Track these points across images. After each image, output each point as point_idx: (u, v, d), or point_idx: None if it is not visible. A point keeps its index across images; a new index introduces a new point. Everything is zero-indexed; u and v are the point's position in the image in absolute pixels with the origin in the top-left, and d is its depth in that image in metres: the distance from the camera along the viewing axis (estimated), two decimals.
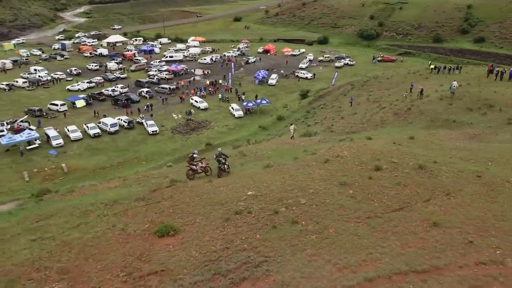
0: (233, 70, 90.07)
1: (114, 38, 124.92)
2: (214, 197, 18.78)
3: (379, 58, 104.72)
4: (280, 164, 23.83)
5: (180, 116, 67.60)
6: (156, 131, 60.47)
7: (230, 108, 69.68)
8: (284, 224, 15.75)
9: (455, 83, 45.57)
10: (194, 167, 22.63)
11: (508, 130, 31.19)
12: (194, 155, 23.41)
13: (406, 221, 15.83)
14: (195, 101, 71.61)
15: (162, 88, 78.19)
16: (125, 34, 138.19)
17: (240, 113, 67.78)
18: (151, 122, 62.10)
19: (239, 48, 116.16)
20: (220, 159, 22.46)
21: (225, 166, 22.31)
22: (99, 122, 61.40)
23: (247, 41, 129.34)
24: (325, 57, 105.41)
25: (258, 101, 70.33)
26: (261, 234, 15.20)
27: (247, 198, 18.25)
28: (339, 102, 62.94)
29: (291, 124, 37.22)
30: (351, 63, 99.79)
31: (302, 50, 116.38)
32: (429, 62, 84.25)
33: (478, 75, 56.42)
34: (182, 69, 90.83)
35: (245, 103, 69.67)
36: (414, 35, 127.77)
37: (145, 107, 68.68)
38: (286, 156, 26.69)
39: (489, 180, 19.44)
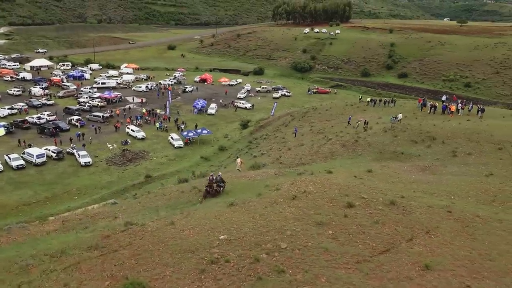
0: (170, 98, 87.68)
1: (39, 62, 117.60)
2: (181, 243, 16.56)
3: (314, 90, 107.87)
4: (244, 201, 22.14)
5: (115, 146, 63.65)
6: (89, 162, 56.18)
7: (169, 138, 67.10)
8: (270, 274, 14.01)
9: (400, 115, 47.36)
10: (209, 189, 24.48)
11: (454, 162, 32.28)
12: (213, 177, 24.99)
13: (397, 264, 14.84)
14: (132, 130, 68.04)
15: (95, 116, 73.75)
16: (50, 58, 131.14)
17: (180, 143, 65.40)
18: (84, 152, 57.63)
19: (175, 77, 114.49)
20: (221, 184, 24.56)
21: (220, 189, 24.40)
22: (23, 153, 55.57)
23: (183, 69, 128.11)
24: (263, 88, 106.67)
25: (199, 130, 68.54)
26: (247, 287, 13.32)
27: (220, 243, 16.29)
28: (282, 132, 62.83)
29: (237, 157, 35.74)
30: (288, 94, 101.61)
31: (239, 80, 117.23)
32: (360, 95, 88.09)
33: (412, 108, 59.36)
34: (116, 97, 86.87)
35: (185, 133, 67.42)
36: (344, 69, 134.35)
37: (77, 136, 63.76)
38: (247, 191, 25.09)
39: (461, 216, 19.29)
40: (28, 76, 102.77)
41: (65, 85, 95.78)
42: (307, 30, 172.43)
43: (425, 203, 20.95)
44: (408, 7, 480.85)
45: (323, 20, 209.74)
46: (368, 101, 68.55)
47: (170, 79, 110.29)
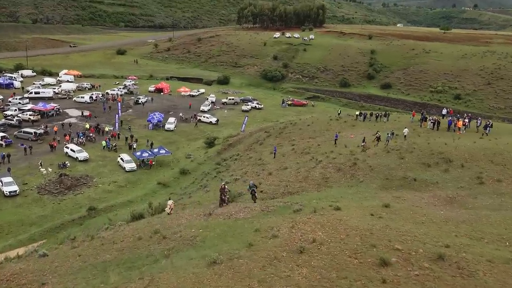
0: (119, 111, 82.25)
1: None
2: None
3: (289, 102, 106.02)
4: (231, 256, 17.56)
5: (50, 170, 58.05)
6: (15, 191, 50.51)
7: (118, 159, 62.31)
8: None
9: (406, 130, 44.58)
10: (224, 197, 28.61)
11: (484, 192, 29.06)
12: (225, 187, 29.56)
13: None
14: (71, 150, 62.57)
15: (25, 132, 68.21)
16: None
17: (132, 165, 60.69)
18: (8, 179, 51.78)
19: (125, 86, 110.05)
20: (254, 189, 29.89)
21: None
22: None
23: (134, 77, 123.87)
24: (229, 99, 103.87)
25: (155, 150, 63.93)
26: None
27: None
28: (257, 152, 58.99)
29: (169, 199, 31.51)
30: (260, 106, 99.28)
31: (202, 90, 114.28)
32: (339, 109, 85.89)
33: (407, 124, 56.87)
34: (53, 109, 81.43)
35: (138, 153, 62.54)
36: (321, 78, 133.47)
37: (0, 158, 57.42)
38: (230, 238, 20.51)
39: None
40: None
41: None
42: (277, 34, 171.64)
43: (481, 256, 17.13)
44: (383, 13, 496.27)
45: (294, 24, 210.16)
46: (356, 115, 66.13)
47: (120, 88, 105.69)
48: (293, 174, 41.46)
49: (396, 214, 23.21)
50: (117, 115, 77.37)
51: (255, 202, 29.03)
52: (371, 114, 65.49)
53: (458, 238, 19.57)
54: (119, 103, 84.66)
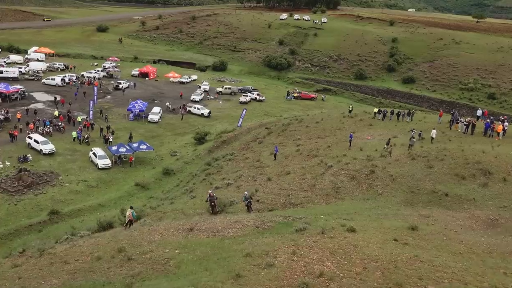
0: (95, 97, 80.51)
1: None
2: None
3: (295, 95, 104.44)
4: None
5: (8, 164, 56.34)
6: None
7: (90, 154, 60.65)
8: None
9: (433, 132, 42.41)
10: (213, 204, 32.34)
11: None
12: (213, 194, 33.19)
13: None
14: (35, 141, 60.76)
15: None
16: None
17: (107, 162, 59.08)
18: None
19: (104, 68, 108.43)
20: (250, 200, 32.59)
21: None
22: None
23: (116, 59, 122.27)
24: (225, 88, 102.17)
25: (135, 145, 62.22)
26: None
27: None
28: (255, 152, 57.18)
29: (131, 208, 29.42)
30: (261, 98, 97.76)
31: (194, 77, 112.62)
32: (350, 105, 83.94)
33: (435, 125, 54.74)
34: (17, 92, 79.56)
35: (114, 148, 60.75)
36: (333, 69, 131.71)
37: None
38: (213, 264, 18.31)
39: None
40: None
41: None
42: (284, 16, 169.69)
43: None
44: None
45: (304, 5, 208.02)
46: (375, 113, 64.07)
47: (97, 71, 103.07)
48: (297, 181, 39.60)
49: (425, 240, 21.01)
50: (92, 102, 75.25)
51: (249, 213, 31.01)
52: (392, 112, 63.32)
53: (508, 276, 17.27)
54: (95, 88, 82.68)
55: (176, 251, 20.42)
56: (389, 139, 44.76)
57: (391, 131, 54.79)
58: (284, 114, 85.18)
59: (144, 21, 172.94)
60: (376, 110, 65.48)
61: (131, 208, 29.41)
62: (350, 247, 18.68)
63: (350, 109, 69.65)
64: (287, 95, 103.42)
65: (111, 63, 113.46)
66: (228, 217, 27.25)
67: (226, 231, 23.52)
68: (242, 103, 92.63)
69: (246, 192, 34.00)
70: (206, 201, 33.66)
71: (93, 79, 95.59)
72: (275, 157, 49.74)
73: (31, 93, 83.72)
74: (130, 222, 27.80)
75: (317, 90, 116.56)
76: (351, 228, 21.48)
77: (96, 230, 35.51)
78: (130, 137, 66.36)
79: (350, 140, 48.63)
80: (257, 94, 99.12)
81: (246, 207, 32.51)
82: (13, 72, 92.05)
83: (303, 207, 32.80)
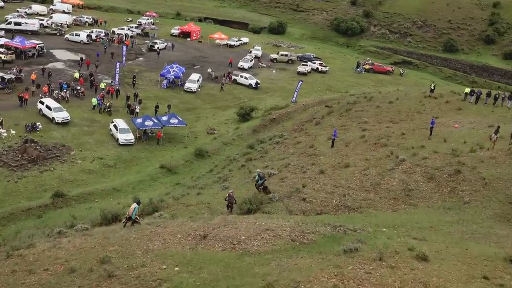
0: (124, 58, 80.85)
1: None
2: None
3: (367, 67, 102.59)
4: None
5: (14, 132, 57.07)
6: None
7: (111, 126, 60.48)
8: None
9: None
10: (230, 205, 33.13)
11: None
12: (232, 194, 33.31)
13: None
14: (47, 107, 61.12)
15: None
16: None
17: (129, 137, 58.76)
18: None
19: (139, 24, 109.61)
20: (263, 181, 35.35)
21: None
22: None
23: (154, 14, 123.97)
24: (282, 55, 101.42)
25: (164, 118, 61.53)
26: None
27: None
28: (309, 136, 55.47)
29: (137, 202, 26.86)
30: (324, 69, 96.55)
31: (245, 39, 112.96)
32: (432, 83, 79.27)
33: None
34: (34, 47, 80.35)
35: (139, 120, 60.38)
36: (417, 37, 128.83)
37: None
38: None
39: None
40: None
41: None
42: None
43: None
44: None
45: None
46: (466, 94, 60.70)
47: (131, 27, 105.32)
48: (358, 176, 37.13)
49: None
50: (118, 64, 74.57)
51: (267, 194, 34.75)
52: (488, 95, 59.01)
53: None
54: (124, 47, 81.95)
55: (176, 268, 17.94)
56: (498, 126, 40.78)
57: (486, 118, 52.13)
58: (350, 90, 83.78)
59: None
60: (467, 90, 61.87)
61: (137, 202, 27.36)
62: (418, 286, 15.29)
63: (432, 87, 65.26)
64: (357, 67, 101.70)
65: (147, 19, 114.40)
66: (258, 221, 24.46)
67: (250, 243, 20.85)
68: (300, 73, 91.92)
69: (258, 170, 36.94)
70: (225, 199, 33.71)
71: (124, 37, 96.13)
72: (332, 143, 47.53)
73: (50, 50, 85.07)
74: (131, 220, 25.43)
75: (395, 63, 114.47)
76: (422, 254, 18.32)
77: (98, 223, 33.80)
78: (156, 108, 66.45)
79: (431, 128, 46.06)
80: (320, 63, 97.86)
81: (262, 190, 35.18)
82: (33, 24, 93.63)
83: (361, 213, 30.34)
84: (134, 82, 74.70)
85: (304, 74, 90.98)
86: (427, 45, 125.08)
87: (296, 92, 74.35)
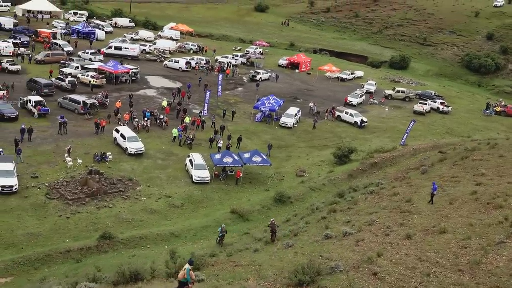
0: (219, 88, 78.54)
1: (38, 4, 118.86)
2: None
3: (498, 109, 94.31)
4: None
5: (80, 162, 55.63)
6: (11, 187, 47.27)
7: (187, 160, 57.47)
8: None
9: None
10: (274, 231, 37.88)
11: None
12: (274, 222, 38.34)
13: None
14: (122, 136, 58.87)
15: (71, 101, 67.39)
16: (62, 3, 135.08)
17: (205, 174, 55.23)
18: (8, 165, 48.59)
19: (246, 53, 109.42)
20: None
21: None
22: None
23: (265, 44, 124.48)
24: (397, 91, 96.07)
25: (246, 155, 57.32)
26: None
27: None
28: (411, 186, 48.89)
29: (189, 262, 22.59)
30: (445, 109, 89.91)
31: (359, 73, 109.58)
32: None
33: None
34: (127, 72, 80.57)
35: (217, 156, 56.49)
36: None
37: (20, 133, 56.57)
38: None
39: None
40: (9, 23, 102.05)
41: (55, 44, 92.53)
42: (500, 2, 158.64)
43: None
44: None
45: None
46: None
47: (235, 56, 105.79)
48: (453, 248, 29.36)
49: None
50: (209, 92, 72.58)
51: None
52: None
53: None
54: (220, 76, 79.98)
55: None
56: None
57: None
58: (475, 134, 77.37)
59: (313, 0, 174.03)
60: None
61: (189, 262, 24.60)
62: None
63: None
64: (486, 108, 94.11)
65: (256, 48, 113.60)
66: None
67: None
68: (416, 113, 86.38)
69: (223, 225, 41.27)
70: (268, 226, 38.63)
71: (226, 66, 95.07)
72: (431, 199, 39.85)
73: (145, 76, 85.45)
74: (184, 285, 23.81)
75: None
76: None
77: (115, 282, 28.94)
78: (239, 140, 64.05)
79: None
80: (441, 102, 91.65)
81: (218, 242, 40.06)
82: (133, 49, 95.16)
83: None
84: (224, 112, 72.20)
85: (421, 113, 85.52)
86: None
87: (406, 133, 68.12)
